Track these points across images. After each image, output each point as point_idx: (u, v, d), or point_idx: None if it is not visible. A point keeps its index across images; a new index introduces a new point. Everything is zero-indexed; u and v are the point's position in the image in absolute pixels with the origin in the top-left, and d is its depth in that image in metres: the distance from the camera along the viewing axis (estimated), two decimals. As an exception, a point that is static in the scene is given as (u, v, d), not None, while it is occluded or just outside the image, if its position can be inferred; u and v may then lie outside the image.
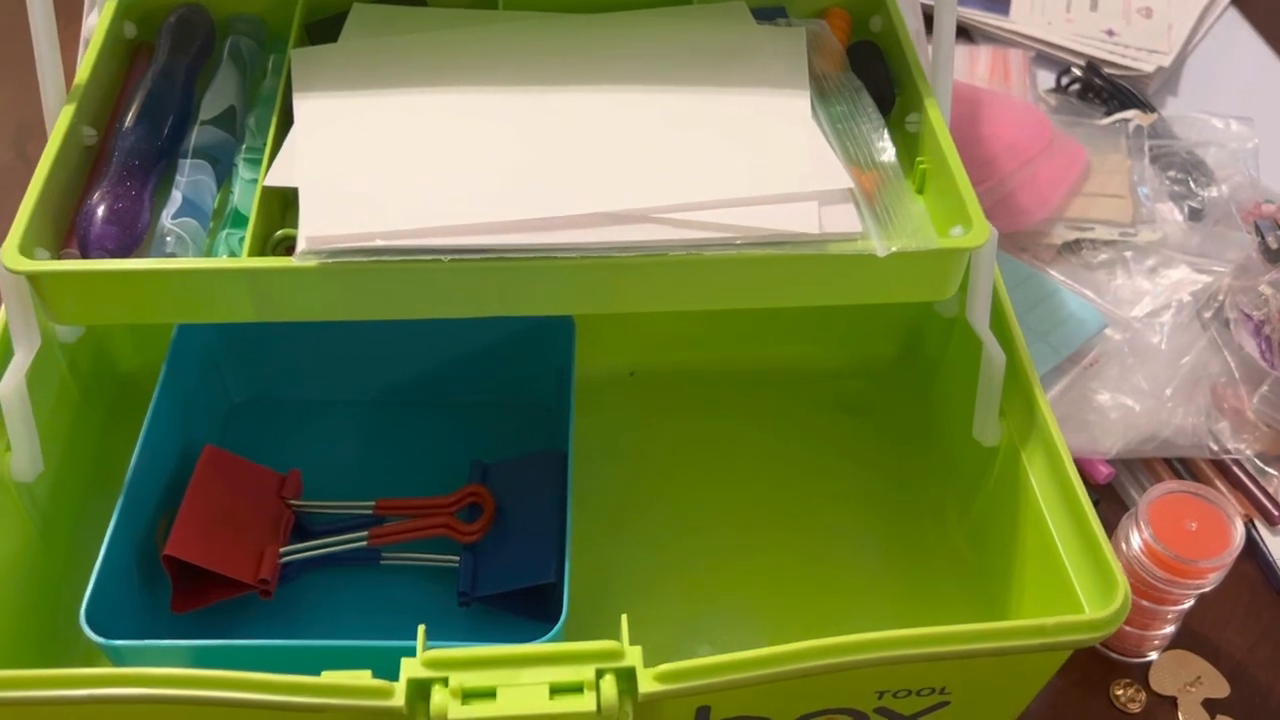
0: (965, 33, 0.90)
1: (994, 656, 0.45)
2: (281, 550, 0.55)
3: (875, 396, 0.67)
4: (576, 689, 0.42)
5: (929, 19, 0.61)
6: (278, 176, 0.49)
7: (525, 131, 0.51)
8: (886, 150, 0.53)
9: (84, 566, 0.50)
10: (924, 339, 0.65)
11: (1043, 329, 0.65)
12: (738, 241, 0.47)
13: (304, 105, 0.52)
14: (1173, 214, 0.73)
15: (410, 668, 0.42)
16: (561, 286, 0.48)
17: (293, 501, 0.58)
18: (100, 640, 0.47)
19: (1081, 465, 0.63)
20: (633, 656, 0.43)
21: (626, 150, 0.50)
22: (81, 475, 0.58)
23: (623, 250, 0.47)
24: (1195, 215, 0.73)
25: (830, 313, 0.66)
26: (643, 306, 0.50)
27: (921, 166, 0.55)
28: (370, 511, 0.58)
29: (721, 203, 0.48)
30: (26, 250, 0.47)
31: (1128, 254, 0.70)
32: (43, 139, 0.79)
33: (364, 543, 0.56)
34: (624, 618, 0.44)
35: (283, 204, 0.52)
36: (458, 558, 0.56)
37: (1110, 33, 0.89)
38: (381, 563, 0.57)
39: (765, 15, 0.61)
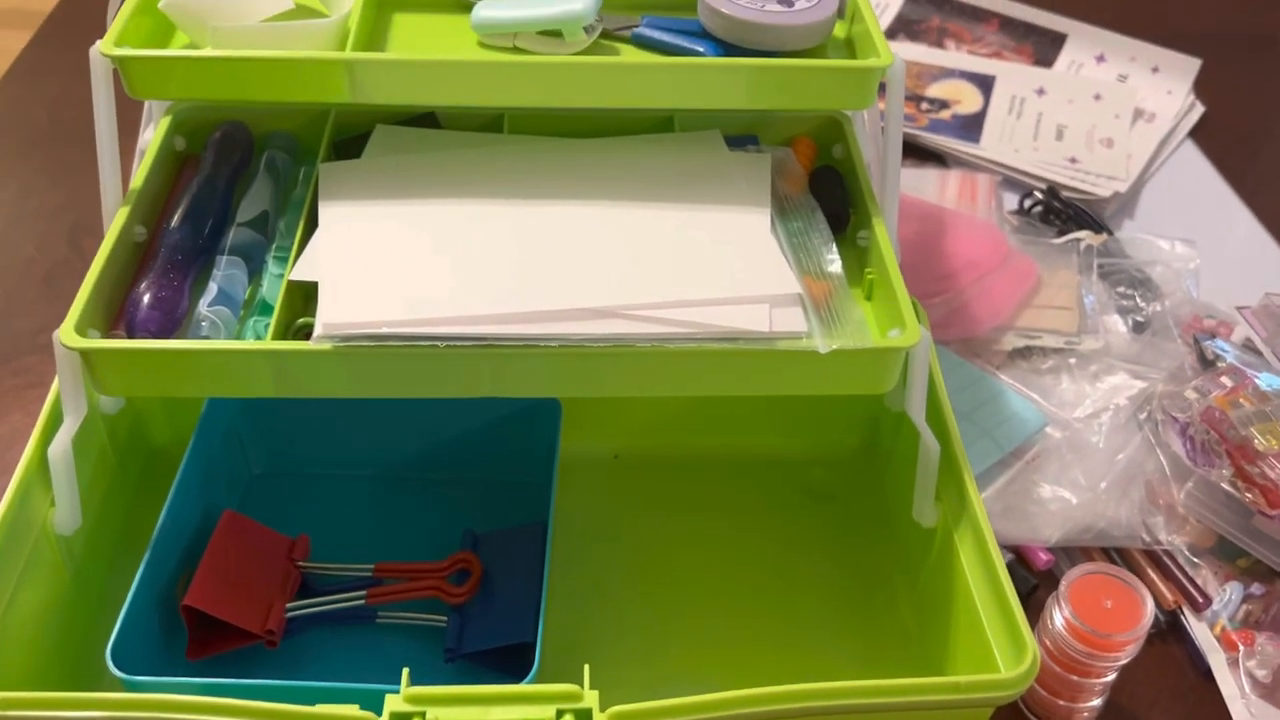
0: (940, 158, 0.98)
1: (917, 710, 0.50)
2: (287, 605, 0.61)
3: (838, 484, 0.73)
4: (540, 725, 0.48)
5: (905, 145, 0.69)
6: (302, 271, 0.56)
7: (519, 237, 0.59)
8: (834, 262, 0.60)
9: (111, 614, 0.57)
10: (880, 432, 0.72)
11: (988, 425, 0.71)
12: (697, 336, 0.54)
13: (328, 211, 0.60)
14: (1118, 325, 0.80)
15: (393, 703, 0.48)
16: (544, 372, 0.55)
17: (300, 563, 0.64)
18: (122, 675, 0.53)
19: (1023, 552, 0.68)
20: (590, 699, 0.48)
21: (605, 255, 0.58)
22: (113, 533, 0.65)
23: (597, 341, 0.54)
24: (1139, 328, 0.80)
25: (797, 405, 0.72)
26: (615, 391, 0.57)
27: (869, 276, 0.62)
28: (369, 573, 0.64)
29: (684, 302, 0.55)
30: (81, 330, 0.54)
31: (1072, 361, 0.76)
32: (95, 235, 0.87)
33: (362, 601, 0.62)
34: (585, 667, 0.50)
35: (304, 296, 0.59)
36: (446, 618, 0.62)
37: (1073, 160, 0.97)
38: (377, 620, 0.63)
39: (738, 142, 0.69)
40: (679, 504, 0.72)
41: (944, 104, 1.02)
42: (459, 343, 0.53)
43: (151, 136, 0.67)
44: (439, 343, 0.53)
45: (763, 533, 0.70)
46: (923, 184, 0.92)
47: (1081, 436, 0.71)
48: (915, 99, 1.02)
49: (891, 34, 1.09)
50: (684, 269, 0.57)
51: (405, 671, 0.49)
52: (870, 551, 0.69)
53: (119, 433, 0.67)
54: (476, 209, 0.61)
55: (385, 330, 0.52)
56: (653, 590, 0.67)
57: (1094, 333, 0.78)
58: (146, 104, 0.70)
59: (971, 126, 1.00)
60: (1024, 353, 0.77)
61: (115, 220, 0.60)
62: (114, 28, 0.59)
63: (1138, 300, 0.82)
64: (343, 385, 0.55)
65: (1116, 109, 1.02)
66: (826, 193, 0.66)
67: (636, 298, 0.55)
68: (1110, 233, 0.88)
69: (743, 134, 0.70)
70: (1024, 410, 0.72)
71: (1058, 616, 0.58)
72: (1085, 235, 0.85)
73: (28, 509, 0.57)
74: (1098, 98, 1.03)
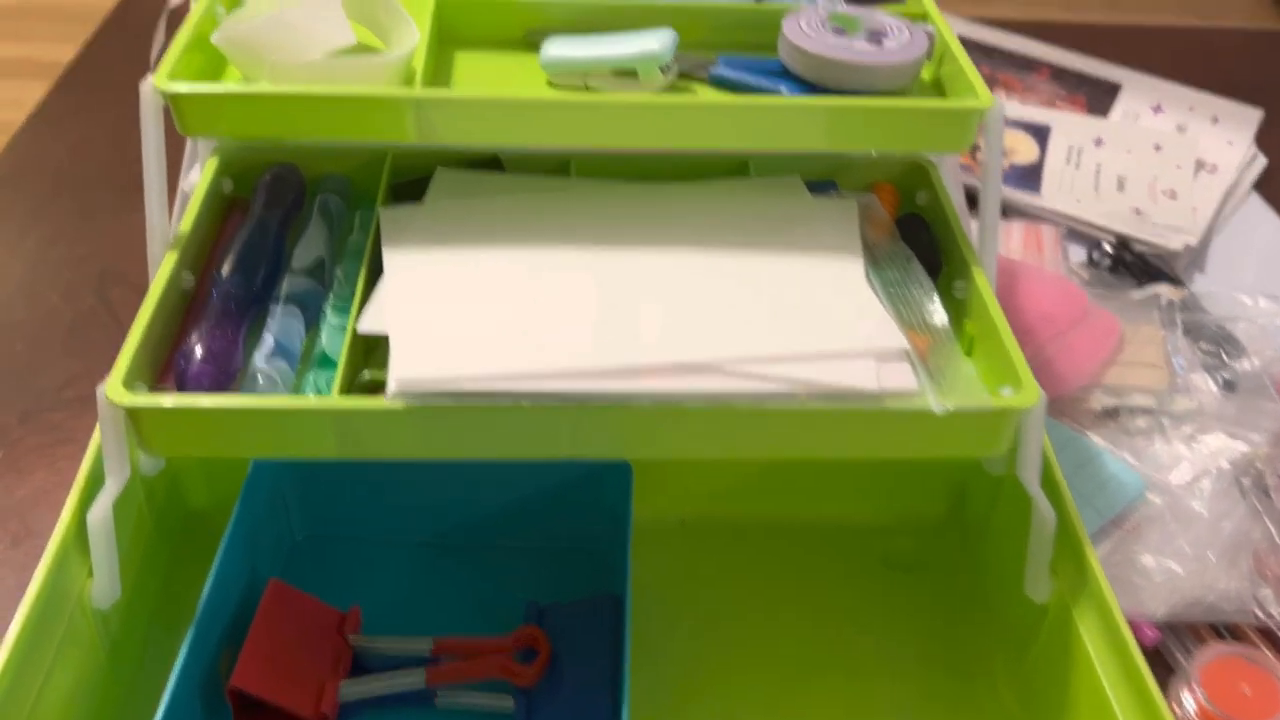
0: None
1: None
2: (340, 686, 0.56)
3: (923, 554, 0.68)
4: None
5: (970, 196, 0.65)
6: (369, 323, 0.52)
7: (599, 286, 0.54)
8: (938, 314, 0.56)
9: (147, 693, 0.52)
10: (970, 498, 0.67)
11: (1086, 491, 0.66)
12: (799, 395, 0.50)
13: (393, 258, 0.56)
14: (1207, 384, 0.75)
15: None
16: (630, 432, 0.51)
17: (352, 638, 0.59)
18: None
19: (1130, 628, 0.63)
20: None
21: (693, 306, 0.53)
22: (148, 605, 0.60)
23: (690, 399, 0.49)
24: (1229, 386, 0.75)
25: (878, 470, 0.68)
26: (706, 454, 0.52)
27: (970, 331, 0.57)
28: (428, 651, 0.59)
29: (784, 357, 0.51)
30: (129, 384, 0.50)
31: (1165, 421, 0.72)
32: (123, 284, 0.84)
33: (421, 682, 0.57)
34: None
35: (365, 349, 0.55)
36: (512, 700, 0.57)
37: (1138, 211, 0.93)
38: (436, 702, 0.57)
39: (817, 188, 0.65)
40: (752, 574, 0.67)
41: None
42: (545, 400, 0.49)
43: (196, 178, 0.63)
44: (523, 400, 0.48)
45: (844, 607, 0.65)
46: None
47: (1183, 503, 0.67)
48: (971, 150, 0.99)
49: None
50: (778, 322, 0.53)
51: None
52: (964, 628, 0.63)
53: (156, 495, 0.62)
54: (551, 256, 0.57)
55: (465, 386, 0.48)
56: (728, 670, 0.61)
57: (1185, 391, 0.73)
58: (189, 145, 0.67)
59: (1030, 177, 0.97)
60: (1112, 413, 0.73)
61: (163, 266, 0.56)
62: (166, 62, 0.55)
63: (1224, 357, 0.78)
64: (411, 446, 0.50)
65: (1178, 160, 0.99)
66: (913, 241, 0.62)
67: (730, 352, 0.51)
68: (1185, 287, 0.84)
69: (820, 179, 0.66)
70: (1123, 474, 0.67)
71: (1189, 702, 0.53)
72: (1164, 289, 0.81)
73: (64, 580, 0.52)
74: (1158, 148, 1.00)
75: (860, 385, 0.50)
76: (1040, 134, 1.01)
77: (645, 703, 0.57)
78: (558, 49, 0.61)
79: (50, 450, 0.72)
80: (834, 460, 0.67)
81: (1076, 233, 0.92)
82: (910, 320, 0.55)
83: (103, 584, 0.53)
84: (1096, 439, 0.70)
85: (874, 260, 0.59)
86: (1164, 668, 0.63)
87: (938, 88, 0.63)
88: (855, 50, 0.59)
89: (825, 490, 0.69)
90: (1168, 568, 0.64)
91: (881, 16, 0.63)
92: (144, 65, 1.07)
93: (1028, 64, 1.10)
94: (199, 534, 0.64)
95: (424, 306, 0.52)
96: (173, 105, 0.54)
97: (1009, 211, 0.94)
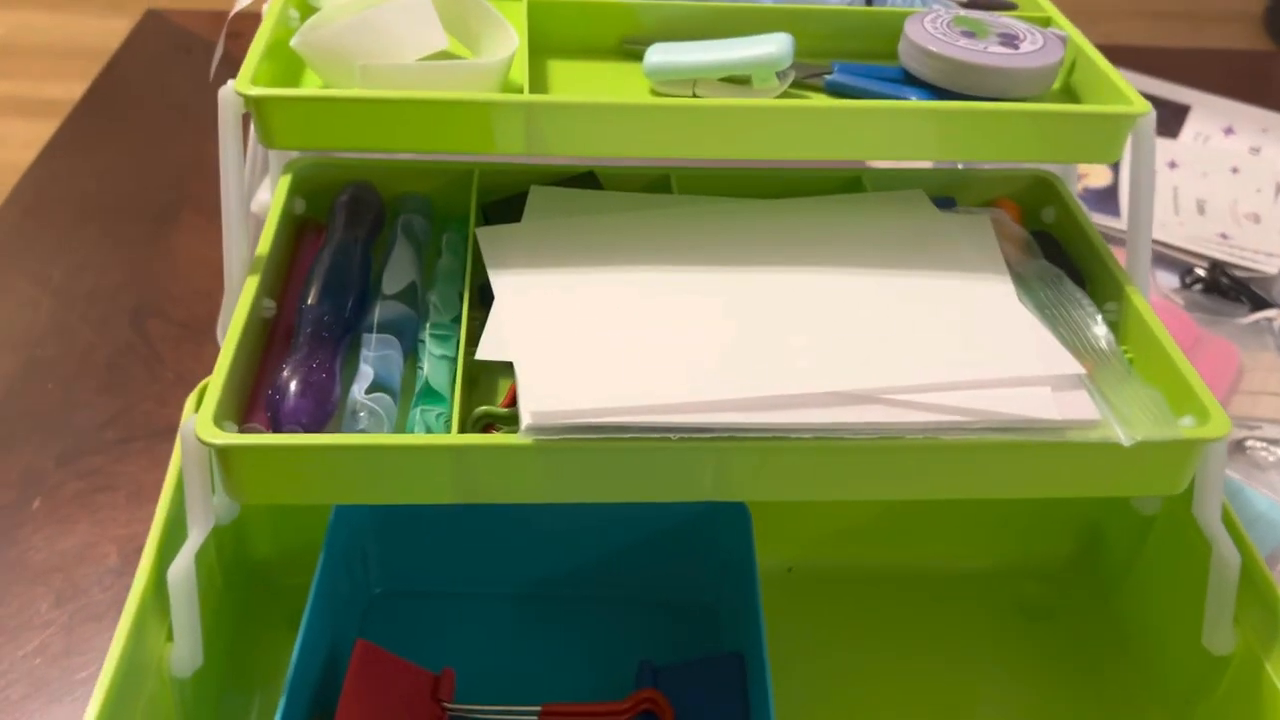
0: None
1: None
2: (445, 759, 0.50)
3: (1054, 600, 0.62)
4: None
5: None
6: (489, 350, 0.46)
7: (731, 308, 0.49)
8: (1104, 336, 0.51)
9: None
10: (1106, 537, 0.62)
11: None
12: (974, 426, 0.45)
13: (501, 279, 0.50)
14: None
15: None
16: (784, 470, 0.45)
17: (449, 705, 0.53)
18: None
19: None
20: None
21: (839, 329, 0.48)
22: (218, 669, 0.54)
23: (858, 432, 0.44)
24: None
25: (1002, 509, 0.63)
26: (868, 494, 0.47)
27: (1128, 355, 0.53)
28: (535, 718, 0.53)
29: (952, 385, 0.46)
30: (219, 423, 0.44)
31: None
32: (160, 316, 0.78)
33: (533, 753, 0.51)
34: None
35: (471, 381, 0.49)
36: (636, 773, 0.51)
37: (1224, 236, 0.89)
38: (550, 776, 0.51)
39: (938, 204, 0.60)
40: (870, 626, 0.61)
41: None
42: (694, 435, 0.43)
43: (266, 199, 0.58)
44: (671, 435, 0.43)
45: (971, 658, 0.60)
46: None
47: None
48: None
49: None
50: (935, 347, 0.48)
51: None
52: (1107, 680, 0.58)
53: (224, 549, 0.56)
54: (669, 276, 0.51)
55: (611, 420, 0.42)
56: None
57: None
58: (250, 160, 0.61)
59: (1106, 200, 0.93)
60: (1240, 446, 0.68)
61: (244, 292, 0.50)
62: (246, 66, 0.50)
63: None
64: (540, 488, 0.45)
65: (1257, 183, 0.95)
66: (1049, 259, 0.57)
67: (895, 380, 0.45)
68: None
69: (937, 196, 0.61)
70: (1272, 511, 0.62)
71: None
72: (1275, 314, 0.77)
73: (143, 649, 0.46)
74: (1235, 170, 0.96)
75: (1041, 415, 0.45)
76: None
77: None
78: (664, 55, 0.56)
79: (91, 498, 0.66)
80: (953, 500, 0.63)
81: (1163, 257, 0.88)
82: (1072, 343, 0.50)
83: (184, 649, 0.47)
84: (1233, 475, 0.65)
85: (1017, 279, 0.54)
86: None
87: (1070, 96, 0.58)
88: (991, 54, 0.55)
89: (941, 534, 0.64)
90: None
91: (1008, 20, 0.58)
92: (164, 94, 1.02)
93: None
94: (261, 588, 0.59)
95: (546, 332, 0.47)
96: (257, 113, 0.49)
97: None
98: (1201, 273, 0.84)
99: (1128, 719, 0.57)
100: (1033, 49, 0.56)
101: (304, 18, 0.56)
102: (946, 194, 0.61)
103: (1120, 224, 0.90)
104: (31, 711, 0.55)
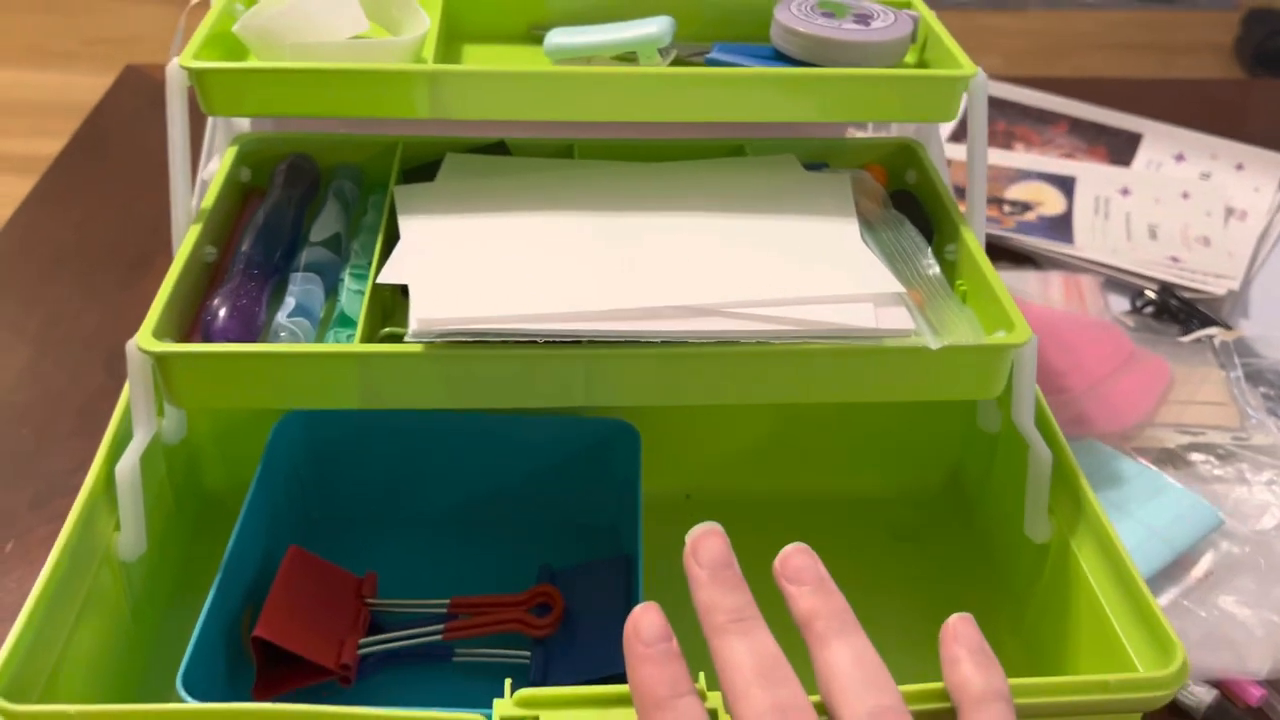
0: (1033, 260, 0.94)
1: (1058, 715, 0.46)
2: (360, 641, 0.57)
3: (922, 524, 0.69)
4: (663, 732, 0.43)
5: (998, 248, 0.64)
6: (388, 275, 0.54)
7: (608, 242, 0.57)
8: (932, 266, 0.58)
9: (169, 653, 0.53)
10: (967, 469, 0.69)
11: (1159, 524, 0.65)
12: (801, 334, 0.52)
13: (408, 224, 0.58)
14: (1277, 427, 0.74)
15: (502, 707, 0.44)
16: (640, 376, 0.53)
17: (370, 600, 0.60)
18: (193, 703, 0.48)
19: (1229, 687, 0.61)
20: (714, 700, 0.45)
21: (697, 259, 0.56)
22: (170, 572, 0.61)
23: (701, 339, 0.51)
24: None
25: (876, 442, 0.70)
26: (712, 398, 0.54)
27: (961, 288, 0.60)
28: (444, 609, 0.60)
29: (785, 301, 0.53)
30: (158, 337, 0.52)
31: (1244, 466, 0.71)
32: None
33: (439, 637, 0.58)
34: (701, 674, 0.46)
35: (383, 312, 0.57)
36: (528, 653, 0.58)
37: (1175, 259, 0.93)
38: (454, 658, 0.58)
39: (810, 168, 0.68)
40: (758, 546, 0.67)
41: (1026, 206, 0.99)
42: (559, 339, 0.51)
43: (215, 168, 0.66)
44: (538, 339, 0.50)
45: (849, 574, 0.66)
46: (1024, 287, 0.89)
47: (1275, 550, 0.65)
48: (997, 202, 1.00)
49: (955, 139, 1.05)
50: (780, 272, 0.56)
51: (508, 681, 0.45)
52: (964, 590, 0.65)
53: (176, 471, 0.63)
54: (561, 220, 0.59)
55: (483, 326, 0.50)
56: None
57: (1261, 428, 0.73)
58: (208, 137, 0.69)
59: (1060, 227, 0.97)
60: (1186, 458, 0.72)
61: (187, 237, 0.58)
62: (190, 45, 0.58)
63: None
64: (431, 392, 0.52)
65: (1207, 207, 1.00)
66: (905, 213, 0.65)
67: (735, 296, 0.53)
68: (1235, 330, 0.84)
69: (813, 161, 0.69)
70: (1196, 506, 0.66)
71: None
72: (1218, 332, 0.82)
73: (92, 533, 0.53)
74: (1186, 196, 1.01)
75: (859, 324, 0.52)
76: (1065, 185, 1.02)
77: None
78: (562, 37, 0.64)
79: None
80: (835, 433, 0.70)
81: (1116, 281, 0.92)
82: (905, 275, 0.58)
83: (129, 537, 0.54)
84: (1171, 479, 0.69)
85: (868, 225, 0.62)
86: None
87: (922, 68, 0.66)
88: (845, 30, 0.63)
89: (827, 464, 0.71)
90: (1269, 620, 0.62)
91: (867, 3, 0.66)
92: (141, 145, 1.04)
93: (1045, 117, 1.11)
94: (215, 514, 0.65)
95: (441, 260, 0.55)
96: (198, 84, 0.57)
97: (1045, 263, 0.94)
98: (1152, 295, 0.88)
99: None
100: (883, 25, 0.64)
101: (248, 7, 0.64)
102: (820, 159, 0.69)
103: (1073, 250, 0.94)
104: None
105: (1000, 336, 0.54)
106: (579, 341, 0.51)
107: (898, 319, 0.53)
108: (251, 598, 0.59)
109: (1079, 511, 0.55)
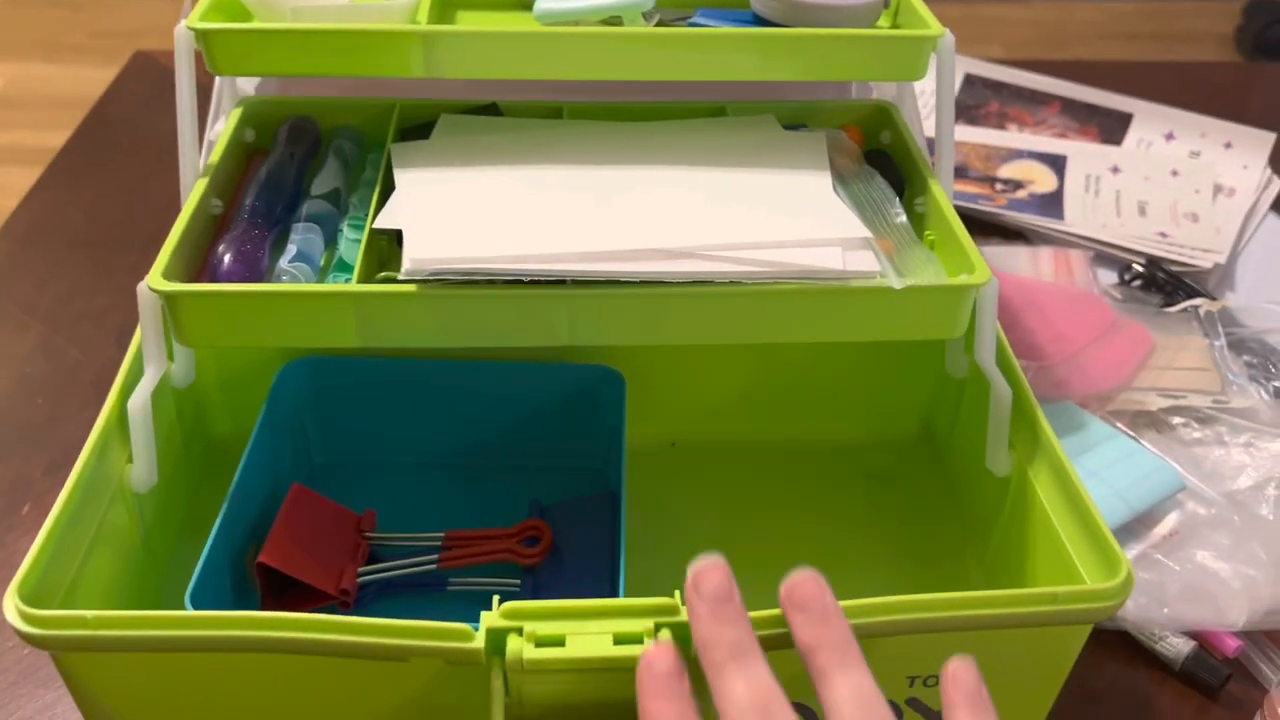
0: (1023, 236, 0.97)
1: (1007, 626, 0.49)
2: (359, 570, 0.61)
3: (897, 467, 0.73)
4: (637, 639, 0.47)
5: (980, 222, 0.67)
6: (384, 221, 0.57)
7: (593, 195, 0.60)
8: (899, 215, 0.61)
9: (179, 584, 0.56)
10: (937, 415, 0.72)
11: (1119, 484, 0.67)
12: (772, 275, 0.55)
13: (404, 176, 0.61)
14: (1259, 394, 0.76)
15: (489, 619, 0.47)
16: (621, 316, 0.56)
17: (369, 534, 0.64)
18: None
19: (1207, 639, 0.63)
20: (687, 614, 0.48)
21: (677, 208, 0.59)
22: (177, 512, 0.65)
23: (675, 279, 0.55)
24: (1279, 395, 0.77)
25: (854, 392, 0.73)
26: (689, 339, 0.57)
27: (930, 238, 0.63)
28: (439, 542, 0.63)
29: (757, 245, 0.56)
30: (167, 279, 0.55)
31: (1222, 429, 0.74)
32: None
33: (434, 566, 0.62)
34: (677, 593, 0.49)
35: (380, 258, 0.60)
36: (519, 581, 0.61)
37: (1163, 235, 0.96)
38: (449, 588, 0.62)
39: (788, 129, 0.71)
40: (741, 491, 0.72)
41: (1018, 184, 1.02)
42: (544, 278, 0.54)
43: (221, 128, 0.69)
44: (524, 278, 0.54)
45: (827, 514, 0.70)
46: (1015, 261, 0.91)
47: (1249, 510, 0.68)
48: (989, 180, 1.02)
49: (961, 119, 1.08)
50: (753, 219, 0.59)
51: (496, 597, 0.48)
52: (934, 525, 0.68)
53: (184, 415, 0.67)
54: (549, 173, 0.62)
55: (471, 266, 0.53)
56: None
57: (1242, 393, 0.75)
58: (214, 100, 0.73)
59: (1051, 204, 0.99)
60: (1168, 423, 0.75)
61: (194, 190, 0.61)
62: (196, 8, 0.61)
63: (1271, 368, 0.80)
64: (425, 331, 0.56)
65: (1196, 184, 1.02)
66: (880, 172, 0.68)
67: (708, 239, 0.56)
68: (1220, 301, 0.86)
69: (791, 122, 0.72)
70: (1160, 470, 0.68)
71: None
72: (1203, 302, 0.84)
73: (106, 463, 0.57)
74: (1175, 174, 1.03)
75: (826, 265, 0.55)
76: (1057, 164, 1.04)
77: (639, 588, 0.61)
78: (550, 2, 0.67)
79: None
80: (813, 382, 0.73)
81: (1105, 256, 0.94)
82: (875, 224, 0.61)
83: (141, 468, 0.58)
84: (1150, 447, 0.71)
85: (841, 180, 0.65)
86: (1248, 680, 0.62)
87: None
88: (819, -6, 0.66)
89: (808, 411, 0.74)
90: (1245, 574, 0.64)
91: (842, -30, 0.69)
92: (150, 131, 1.06)
93: (1037, 98, 1.13)
94: (221, 460, 0.69)
95: (434, 207, 0.58)
96: (204, 44, 0.60)
97: (1033, 239, 0.97)
98: (1139, 268, 0.91)
99: (947, 553, 0.67)
100: (856, -9, 0.67)
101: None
102: (798, 120, 0.72)
103: (1065, 226, 0.97)
104: (21, 696, 0.61)
105: (963, 279, 0.57)
106: (563, 282, 0.55)
107: (864, 261, 0.57)
108: (256, 534, 0.62)
109: (1036, 444, 0.59)
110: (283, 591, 0.59)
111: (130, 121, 1.11)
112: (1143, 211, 0.99)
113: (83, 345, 0.83)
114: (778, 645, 0.43)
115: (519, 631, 0.47)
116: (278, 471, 0.66)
